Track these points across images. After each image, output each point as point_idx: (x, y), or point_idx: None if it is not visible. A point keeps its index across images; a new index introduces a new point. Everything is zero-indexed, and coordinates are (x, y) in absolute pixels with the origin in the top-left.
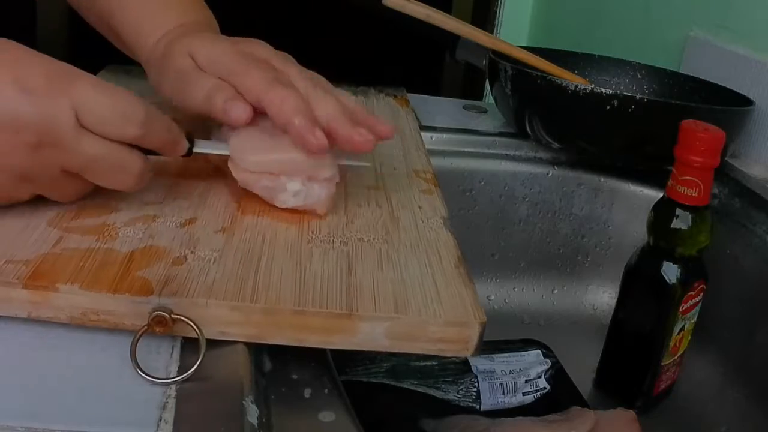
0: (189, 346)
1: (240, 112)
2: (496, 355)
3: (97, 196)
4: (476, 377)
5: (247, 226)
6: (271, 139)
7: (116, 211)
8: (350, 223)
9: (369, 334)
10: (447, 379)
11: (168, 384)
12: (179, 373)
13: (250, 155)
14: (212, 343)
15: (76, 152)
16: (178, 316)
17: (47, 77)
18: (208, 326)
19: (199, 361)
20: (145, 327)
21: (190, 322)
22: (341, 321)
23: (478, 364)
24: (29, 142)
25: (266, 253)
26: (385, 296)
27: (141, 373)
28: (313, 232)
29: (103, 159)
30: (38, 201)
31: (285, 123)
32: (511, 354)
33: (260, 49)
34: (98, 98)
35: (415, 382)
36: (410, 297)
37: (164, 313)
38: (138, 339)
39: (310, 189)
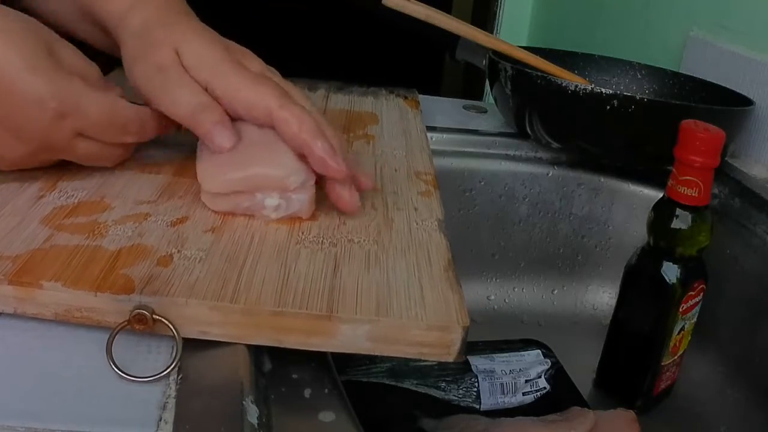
0: (189, 345)
1: (225, 140)
2: (496, 355)
3: (92, 195)
4: (476, 377)
5: (238, 227)
6: (235, 158)
7: (109, 209)
8: (342, 224)
9: (350, 336)
10: (447, 379)
11: (142, 382)
12: (178, 373)
13: (216, 178)
14: (212, 344)
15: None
16: (158, 316)
17: (55, 98)
18: (188, 326)
19: (176, 360)
20: (124, 323)
21: (167, 322)
22: (321, 322)
23: (478, 363)
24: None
25: (252, 254)
26: (368, 298)
27: (116, 370)
28: (303, 233)
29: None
30: (36, 199)
31: (304, 144)
32: (511, 354)
33: (253, 62)
34: (98, 117)
35: (415, 382)
36: (393, 299)
37: (145, 312)
38: (114, 335)
39: (289, 200)
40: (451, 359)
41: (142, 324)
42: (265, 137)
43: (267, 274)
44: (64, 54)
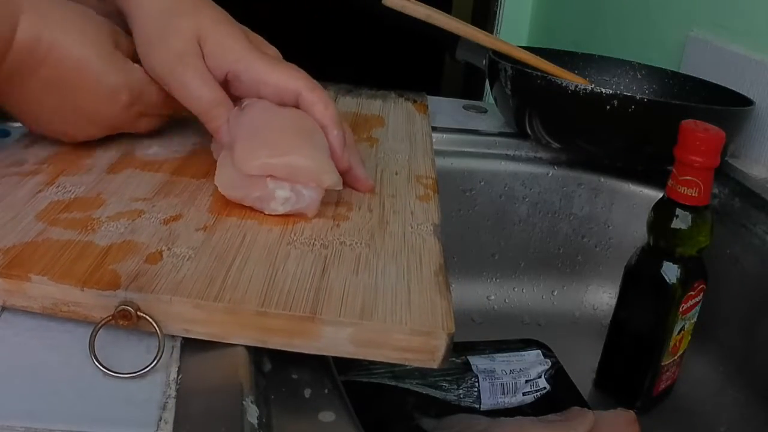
0: (189, 346)
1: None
2: (497, 354)
3: (90, 191)
4: (476, 377)
5: (230, 226)
6: (274, 143)
7: (104, 205)
8: (336, 226)
9: (332, 339)
10: (447, 379)
11: (123, 378)
12: (178, 373)
13: (251, 161)
14: (212, 344)
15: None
16: (142, 313)
17: (126, 90)
18: (172, 323)
19: (158, 357)
20: (109, 318)
21: (150, 319)
22: (304, 324)
23: (479, 363)
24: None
25: (242, 253)
26: (353, 301)
27: (99, 365)
28: (295, 234)
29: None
30: (34, 193)
31: (330, 126)
32: (511, 354)
33: (269, 48)
34: (158, 99)
35: (415, 382)
36: (379, 303)
37: (129, 308)
38: (98, 330)
39: (299, 195)
40: (435, 365)
41: (127, 320)
42: (300, 127)
43: (254, 274)
44: (123, 42)
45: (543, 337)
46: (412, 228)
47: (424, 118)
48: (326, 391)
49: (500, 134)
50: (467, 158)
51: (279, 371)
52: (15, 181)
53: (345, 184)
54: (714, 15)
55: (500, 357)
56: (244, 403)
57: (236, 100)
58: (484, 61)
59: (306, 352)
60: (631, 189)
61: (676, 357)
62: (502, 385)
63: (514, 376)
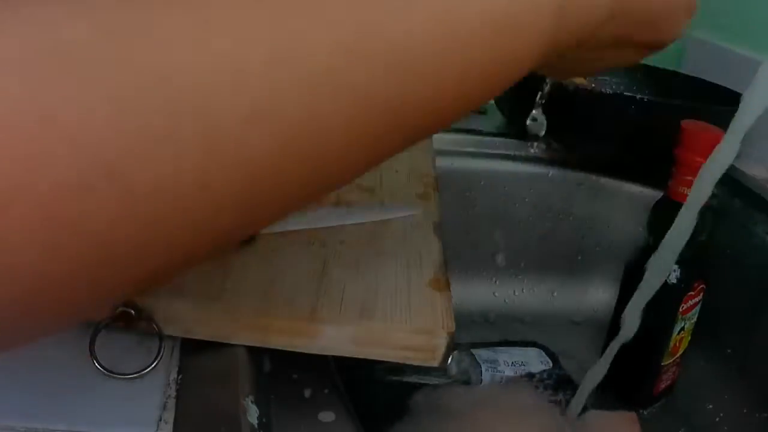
0: (189, 346)
1: None
2: (499, 347)
3: None
4: (479, 366)
5: None
6: None
7: None
8: (335, 225)
9: (333, 339)
10: (451, 372)
11: (123, 379)
12: (178, 373)
13: None
14: (212, 344)
15: None
16: (142, 315)
17: None
18: (174, 324)
19: (158, 358)
20: (108, 320)
21: (150, 320)
22: (304, 324)
23: (482, 354)
24: None
25: (242, 254)
26: (353, 301)
27: (99, 367)
28: (294, 234)
29: None
30: None
31: None
32: (513, 347)
33: None
34: None
35: (417, 379)
36: (379, 302)
37: (129, 310)
38: (98, 332)
39: None
40: (435, 364)
41: (127, 321)
42: None
43: (254, 275)
44: None
45: (543, 337)
46: (411, 227)
47: None
48: (326, 391)
49: (500, 134)
50: (467, 158)
51: (279, 371)
52: None
53: None
54: (714, 15)
55: (502, 348)
56: (244, 403)
57: None
58: None
59: (307, 351)
60: (631, 189)
61: (676, 357)
62: (502, 378)
63: (515, 369)
